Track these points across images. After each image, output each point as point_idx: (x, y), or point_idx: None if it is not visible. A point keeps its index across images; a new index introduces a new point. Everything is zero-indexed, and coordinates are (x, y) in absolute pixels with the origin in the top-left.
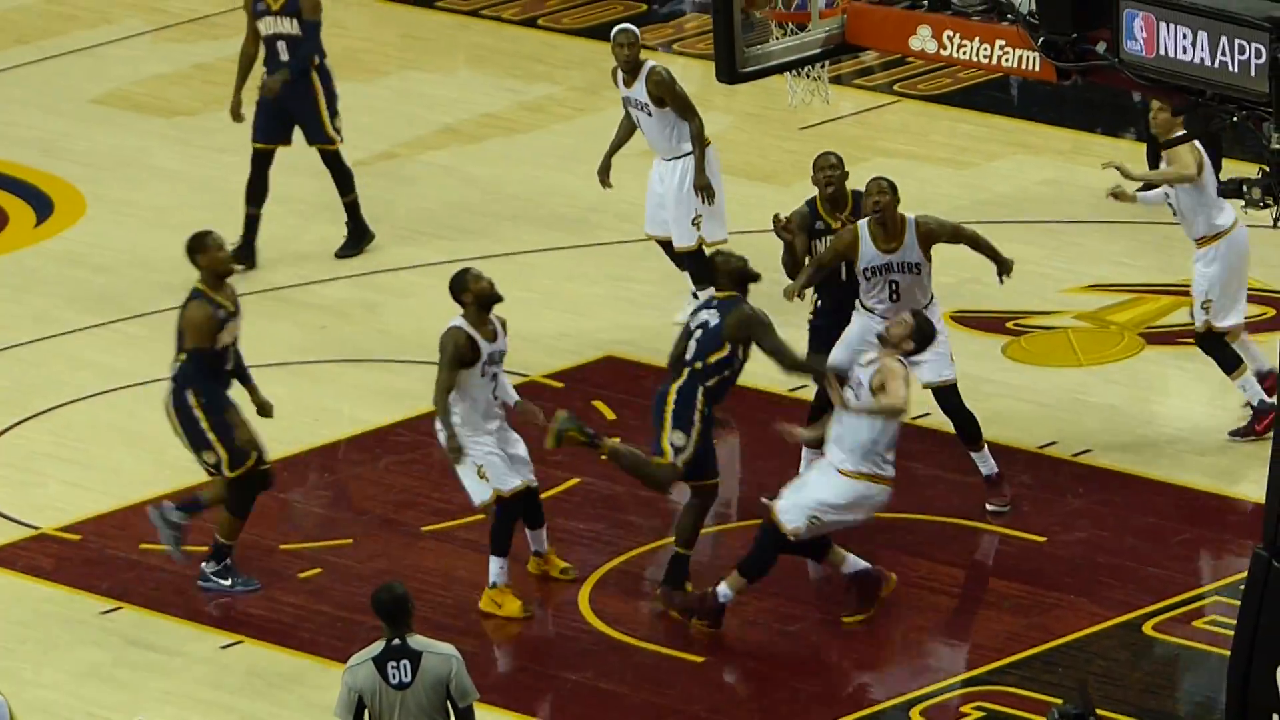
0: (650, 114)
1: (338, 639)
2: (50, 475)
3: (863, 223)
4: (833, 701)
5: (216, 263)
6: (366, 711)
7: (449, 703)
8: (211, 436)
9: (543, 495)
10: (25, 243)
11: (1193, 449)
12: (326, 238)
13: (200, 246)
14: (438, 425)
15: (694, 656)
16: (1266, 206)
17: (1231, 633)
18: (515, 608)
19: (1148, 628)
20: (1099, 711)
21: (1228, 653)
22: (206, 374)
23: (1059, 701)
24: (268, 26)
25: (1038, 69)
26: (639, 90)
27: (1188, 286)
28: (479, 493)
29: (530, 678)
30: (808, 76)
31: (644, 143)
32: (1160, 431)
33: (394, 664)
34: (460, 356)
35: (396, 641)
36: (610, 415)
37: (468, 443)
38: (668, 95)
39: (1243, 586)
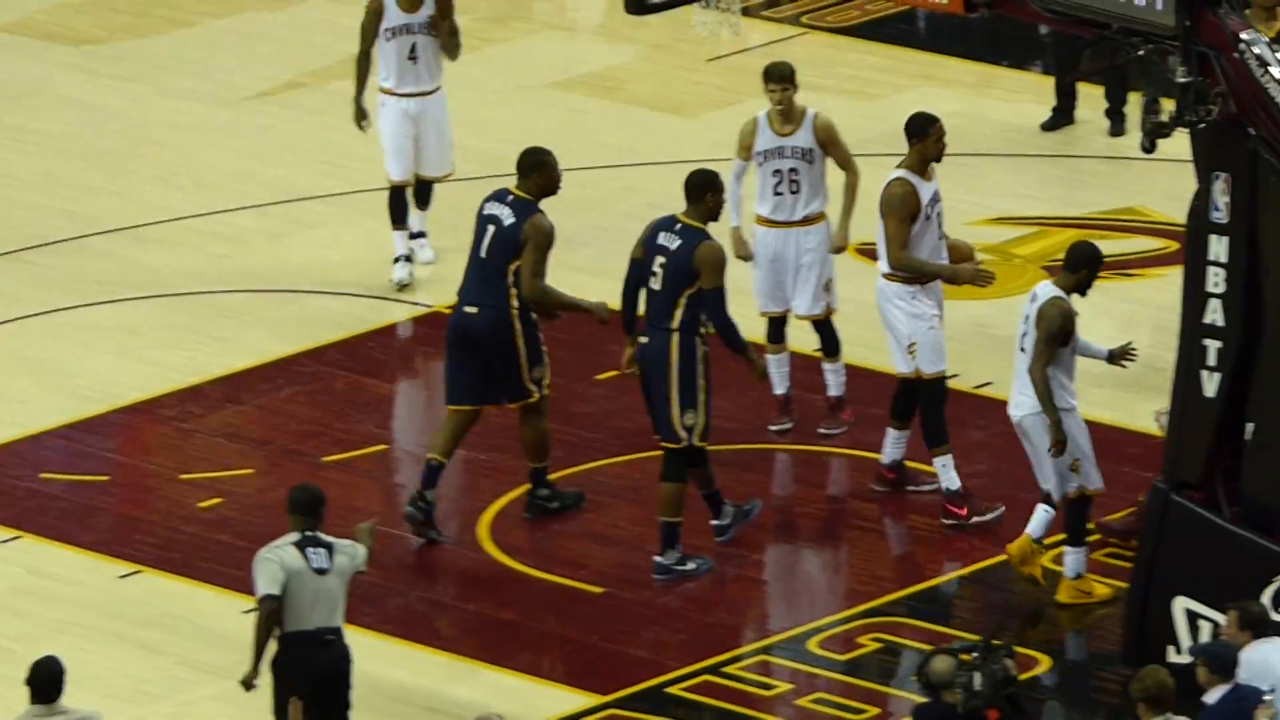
0: (433, 35)
1: (236, 568)
2: None
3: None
4: (733, 633)
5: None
6: (285, 597)
7: None
8: (703, 398)
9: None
10: None
11: (1093, 382)
12: (239, 171)
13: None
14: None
15: (593, 588)
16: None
17: (1130, 565)
18: (1105, 590)
19: (1048, 558)
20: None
21: (1126, 585)
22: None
23: (954, 633)
24: None
25: (945, 2)
26: (430, 7)
27: (1093, 220)
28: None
29: (429, 608)
30: (717, 8)
31: None
32: None
33: (313, 550)
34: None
35: (310, 533)
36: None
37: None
38: (448, 11)
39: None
